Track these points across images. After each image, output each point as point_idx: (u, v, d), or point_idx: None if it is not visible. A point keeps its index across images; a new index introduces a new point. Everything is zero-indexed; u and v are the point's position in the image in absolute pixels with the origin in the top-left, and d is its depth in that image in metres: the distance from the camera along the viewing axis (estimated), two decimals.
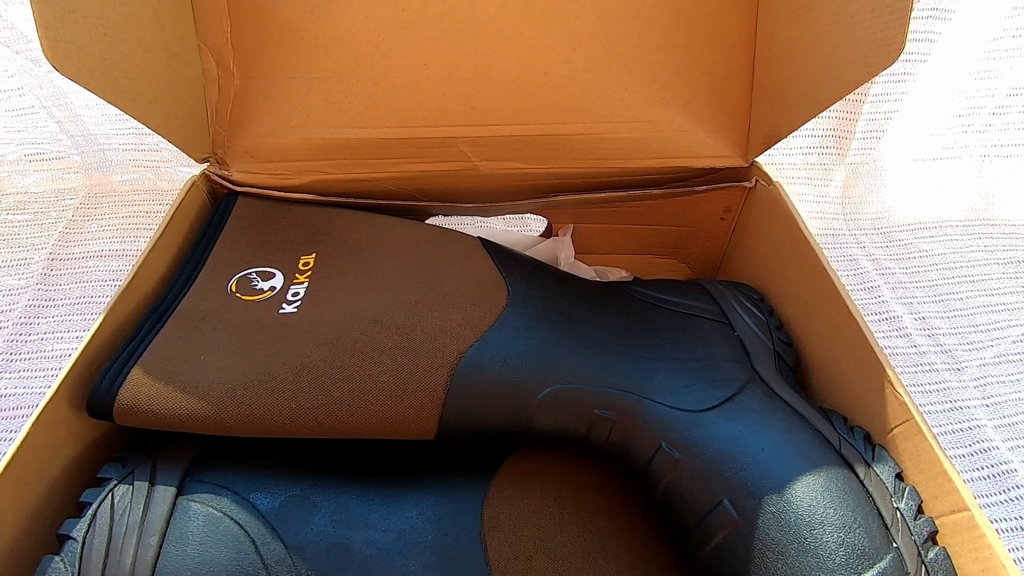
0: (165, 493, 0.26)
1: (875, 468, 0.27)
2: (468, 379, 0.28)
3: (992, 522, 0.40)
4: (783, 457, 0.26)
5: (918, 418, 0.26)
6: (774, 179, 0.40)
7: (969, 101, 0.61)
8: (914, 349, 0.50)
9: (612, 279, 0.48)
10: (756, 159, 0.41)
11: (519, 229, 0.57)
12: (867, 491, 0.26)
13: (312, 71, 0.38)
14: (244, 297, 0.32)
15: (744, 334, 0.34)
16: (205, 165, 0.40)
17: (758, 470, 0.26)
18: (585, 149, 0.39)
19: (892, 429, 0.28)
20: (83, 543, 0.24)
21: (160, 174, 0.62)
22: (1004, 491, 0.42)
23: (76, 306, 0.50)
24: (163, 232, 0.35)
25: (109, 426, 0.28)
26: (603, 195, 0.41)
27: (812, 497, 0.25)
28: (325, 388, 0.27)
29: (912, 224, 0.61)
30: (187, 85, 0.37)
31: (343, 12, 0.37)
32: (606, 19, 0.38)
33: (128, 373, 0.27)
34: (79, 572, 0.24)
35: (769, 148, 0.40)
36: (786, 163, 0.62)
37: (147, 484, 0.26)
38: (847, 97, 0.59)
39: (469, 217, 0.48)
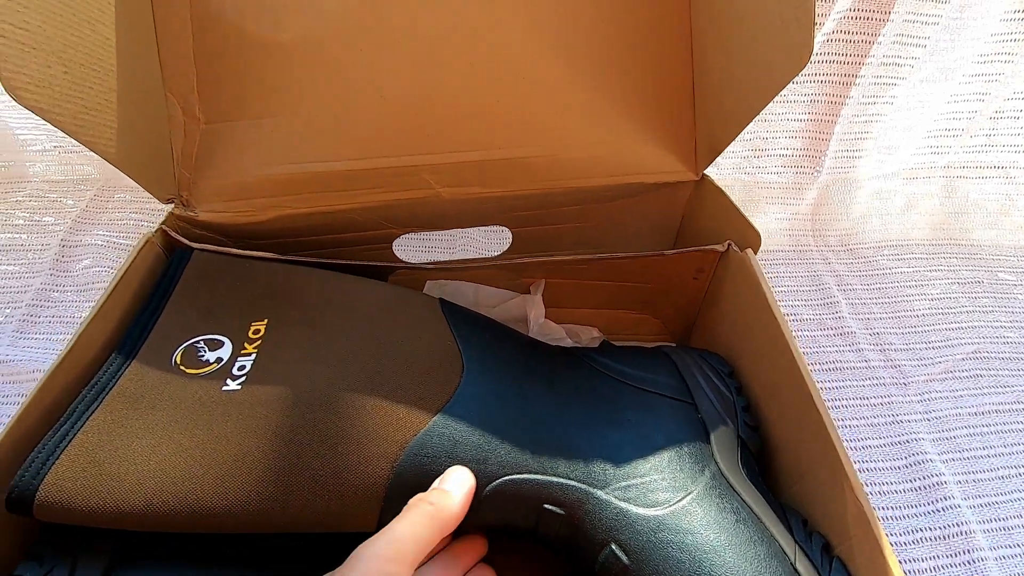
0: None
1: None
2: (411, 472, 0.27)
3: (915, 531, 0.43)
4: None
5: (877, 531, 0.25)
6: (752, 236, 0.39)
7: (942, 123, 0.63)
8: (864, 363, 0.53)
9: (584, 338, 0.49)
10: (706, 173, 0.44)
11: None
12: None
13: (275, 111, 0.41)
14: (188, 370, 0.31)
15: (708, 417, 0.33)
16: (169, 209, 0.41)
17: None
18: (540, 170, 0.42)
19: (851, 537, 0.27)
20: None
21: None
22: (932, 502, 0.44)
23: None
24: (109, 296, 0.33)
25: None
26: (574, 257, 0.42)
27: None
28: (259, 481, 0.26)
29: (878, 242, 0.63)
30: (151, 127, 0.39)
31: (302, 54, 0.40)
32: (550, 48, 0.41)
33: (52, 465, 0.26)
34: None
35: (714, 159, 0.42)
36: (762, 181, 0.64)
37: None
38: (820, 117, 0.61)
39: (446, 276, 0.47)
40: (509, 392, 0.32)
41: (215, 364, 0.31)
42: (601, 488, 0.28)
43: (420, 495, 0.26)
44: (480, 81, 0.41)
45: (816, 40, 0.56)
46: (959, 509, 0.43)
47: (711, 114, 0.42)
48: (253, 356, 0.32)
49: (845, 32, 0.56)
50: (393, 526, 0.24)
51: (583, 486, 0.28)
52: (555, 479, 0.28)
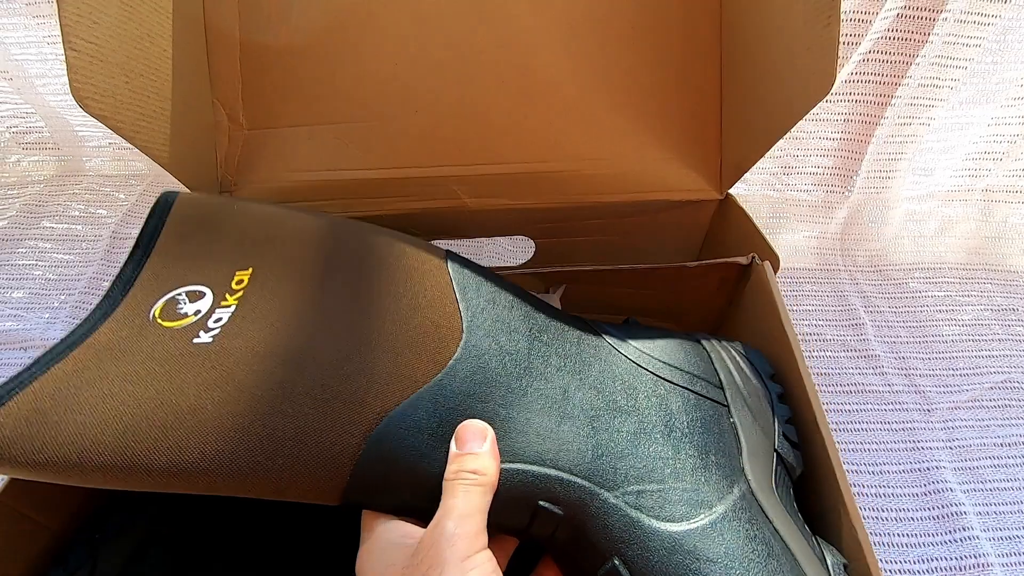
0: None
1: None
2: (387, 446, 0.24)
3: (931, 560, 0.42)
4: None
5: (871, 559, 0.24)
6: (772, 258, 0.39)
7: (981, 145, 0.61)
8: (887, 387, 0.52)
9: None
10: (731, 192, 0.44)
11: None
12: None
13: (314, 121, 0.43)
14: (164, 323, 0.29)
15: (741, 423, 0.29)
16: None
17: None
18: (566, 185, 0.43)
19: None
20: None
21: None
22: (950, 532, 0.43)
23: None
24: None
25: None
26: (597, 267, 0.42)
27: None
28: (201, 436, 0.24)
29: (910, 264, 0.62)
30: (198, 133, 0.42)
31: (342, 69, 0.42)
32: (581, 66, 0.42)
33: None
34: None
35: (739, 178, 0.43)
36: (791, 199, 0.64)
37: None
38: (853, 137, 0.61)
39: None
40: (511, 367, 0.27)
41: (192, 317, 0.29)
42: (609, 490, 0.25)
43: (452, 470, 0.23)
44: (510, 96, 0.42)
45: (852, 60, 0.56)
46: (977, 541, 0.43)
47: (737, 134, 0.42)
48: (232, 308, 0.29)
49: (882, 52, 0.55)
50: (451, 506, 0.22)
51: (588, 484, 0.25)
52: (555, 472, 0.25)
